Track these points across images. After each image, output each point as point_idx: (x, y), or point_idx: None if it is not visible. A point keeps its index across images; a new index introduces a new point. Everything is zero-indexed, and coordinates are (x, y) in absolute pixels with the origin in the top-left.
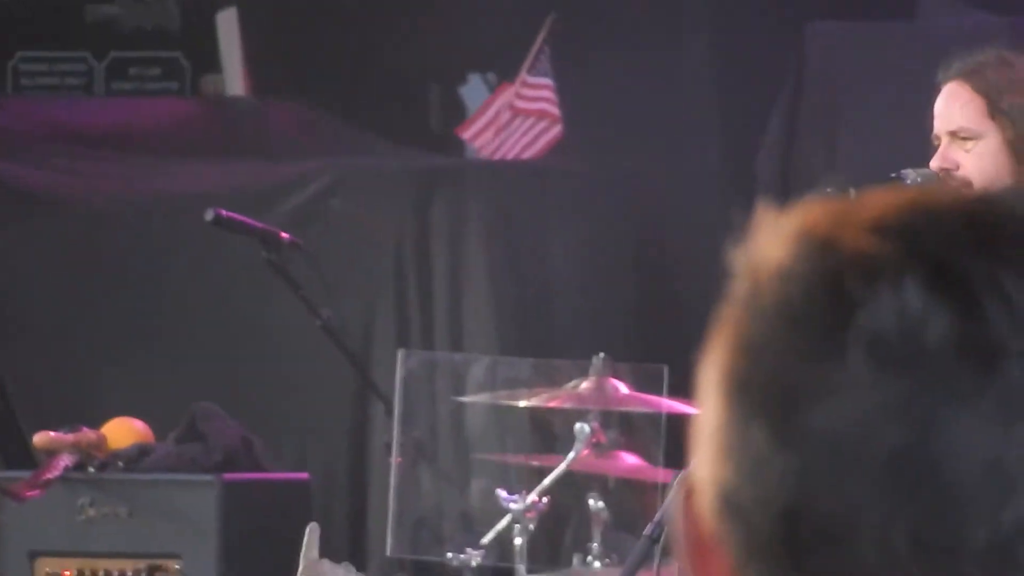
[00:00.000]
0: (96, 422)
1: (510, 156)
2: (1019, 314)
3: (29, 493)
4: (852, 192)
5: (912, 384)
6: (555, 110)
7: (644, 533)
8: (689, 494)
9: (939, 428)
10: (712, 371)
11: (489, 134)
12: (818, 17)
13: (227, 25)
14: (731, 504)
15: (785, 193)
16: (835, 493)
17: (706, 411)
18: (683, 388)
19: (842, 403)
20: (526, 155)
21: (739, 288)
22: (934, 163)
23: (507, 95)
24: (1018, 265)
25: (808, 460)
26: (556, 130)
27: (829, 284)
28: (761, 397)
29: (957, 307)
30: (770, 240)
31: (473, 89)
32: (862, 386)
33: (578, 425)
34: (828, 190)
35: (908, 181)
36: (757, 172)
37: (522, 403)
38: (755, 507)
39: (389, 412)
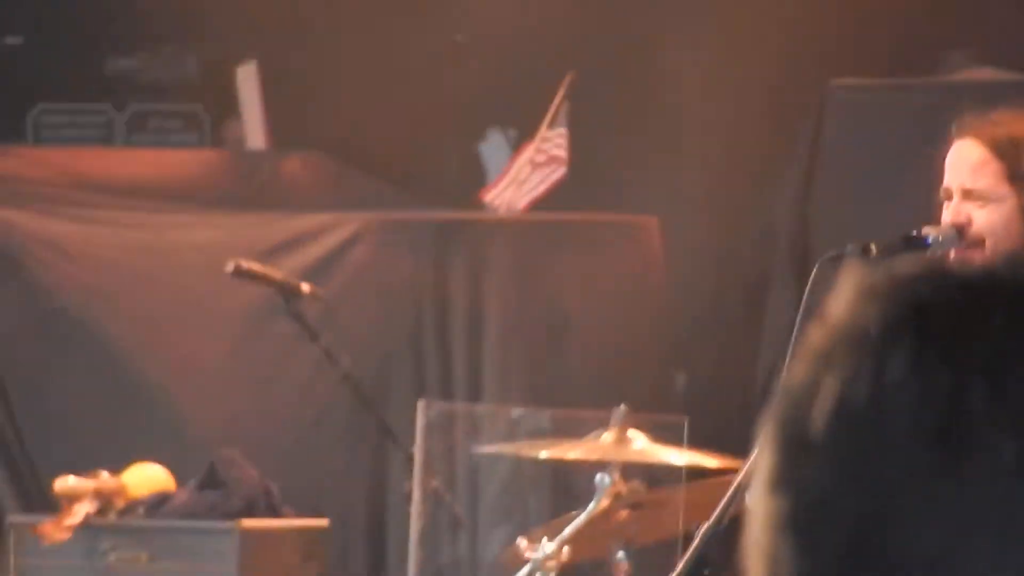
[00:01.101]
0: (117, 468)
1: (523, 204)
2: (1005, 407)
3: (57, 536)
4: (872, 249)
5: (877, 457)
6: (564, 153)
7: None
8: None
9: (896, 506)
10: (767, 422)
11: (509, 193)
12: (840, 73)
13: (247, 79)
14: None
15: (804, 244)
16: (798, 557)
17: (758, 464)
18: (702, 440)
19: (814, 467)
20: (535, 196)
21: (796, 351)
22: (947, 218)
23: (527, 153)
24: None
25: (785, 512)
26: (561, 172)
27: (823, 348)
28: (775, 442)
29: (941, 387)
30: (838, 294)
31: (492, 144)
32: (828, 453)
33: (599, 476)
34: (848, 247)
35: (928, 240)
36: (776, 223)
37: (543, 455)
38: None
39: (409, 462)
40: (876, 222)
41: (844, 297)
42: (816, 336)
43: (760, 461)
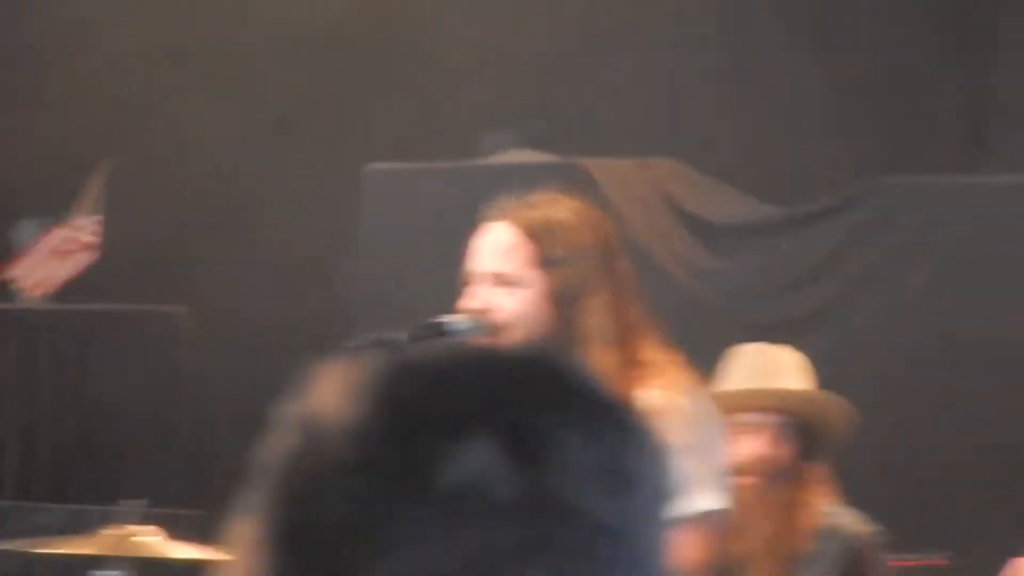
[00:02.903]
0: None
1: (47, 288)
2: (583, 474)
3: None
4: (395, 338)
5: (483, 538)
6: (96, 239)
7: None
8: None
9: None
10: (260, 524)
11: (35, 275)
12: (377, 159)
13: None
14: None
15: (344, 330)
16: None
17: (252, 564)
18: (218, 535)
19: (415, 554)
20: (63, 279)
21: (289, 441)
22: (471, 303)
23: (57, 238)
24: (583, 427)
25: None
26: (91, 257)
27: (404, 441)
28: (328, 550)
29: (527, 466)
30: (330, 394)
31: (26, 232)
32: (436, 539)
33: (102, 574)
34: (369, 337)
35: (452, 327)
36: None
37: (52, 551)
38: None
39: None
40: (415, 307)
41: (326, 392)
42: (295, 429)
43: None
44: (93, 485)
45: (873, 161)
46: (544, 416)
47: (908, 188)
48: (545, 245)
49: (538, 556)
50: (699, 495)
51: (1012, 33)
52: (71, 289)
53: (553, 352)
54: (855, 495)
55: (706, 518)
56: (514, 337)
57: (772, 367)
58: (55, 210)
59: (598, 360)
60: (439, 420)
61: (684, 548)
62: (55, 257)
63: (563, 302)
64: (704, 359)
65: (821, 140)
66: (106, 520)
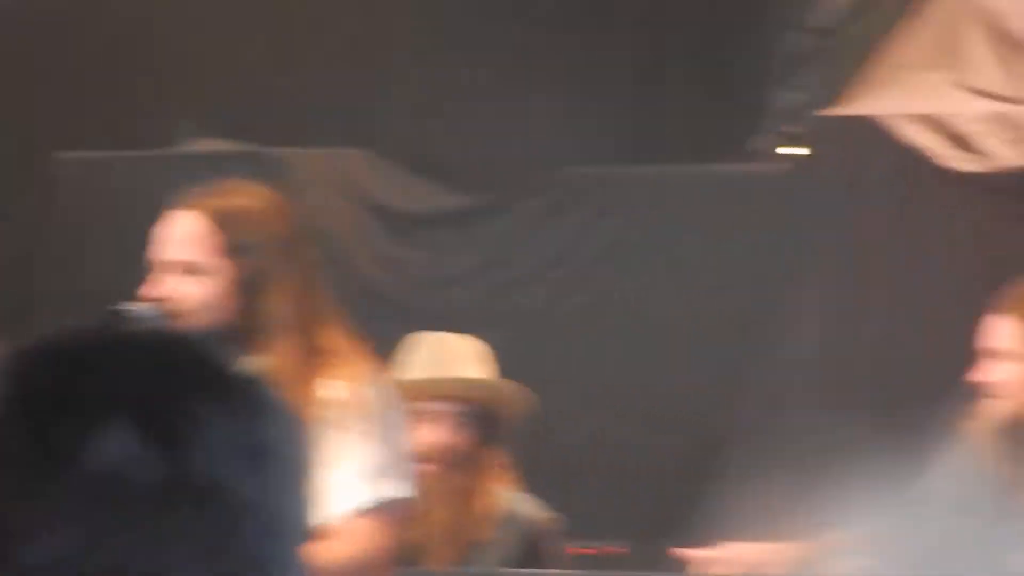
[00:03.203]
0: None
1: None
2: (222, 452)
3: None
4: (82, 327)
5: (126, 525)
6: None
7: None
8: None
9: (144, 561)
10: None
11: None
12: (67, 148)
13: None
14: None
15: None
16: None
17: None
18: None
19: (54, 539)
20: None
21: None
22: (153, 291)
23: None
24: (219, 405)
25: None
26: None
27: (38, 427)
28: None
29: (166, 448)
30: None
31: None
32: (74, 523)
33: None
34: (58, 326)
35: (132, 315)
36: None
37: None
38: None
39: None
40: (103, 295)
41: None
42: None
43: None
44: None
45: (558, 151)
46: (181, 397)
47: (583, 178)
48: (231, 233)
49: (183, 537)
50: (384, 483)
51: (686, 33)
52: None
53: (190, 335)
54: (534, 483)
55: (391, 506)
56: (196, 324)
57: (452, 355)
58: None
59: (280, 348)
60: (75, 406)
61: (370, 535)
62: None
63: (248, 290)
64: (388, 348)
65: (510, 130)
66: None
